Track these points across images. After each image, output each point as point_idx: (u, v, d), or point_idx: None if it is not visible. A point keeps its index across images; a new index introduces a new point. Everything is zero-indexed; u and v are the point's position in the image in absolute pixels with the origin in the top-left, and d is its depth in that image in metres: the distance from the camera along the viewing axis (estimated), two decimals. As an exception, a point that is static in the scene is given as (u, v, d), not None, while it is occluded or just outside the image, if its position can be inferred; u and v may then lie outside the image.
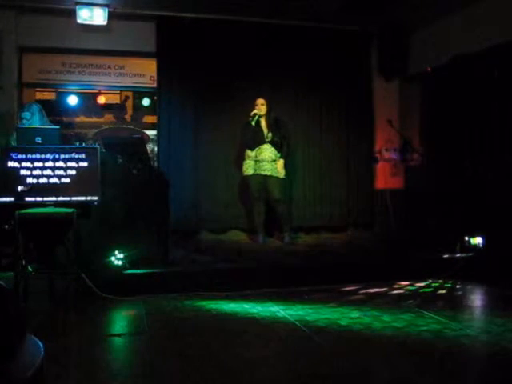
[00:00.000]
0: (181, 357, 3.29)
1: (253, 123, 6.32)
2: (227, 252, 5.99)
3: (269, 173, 6.30)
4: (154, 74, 7.20)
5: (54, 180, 4.52)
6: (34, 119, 5.24)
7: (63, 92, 8.45)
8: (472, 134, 6.33)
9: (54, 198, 4.52)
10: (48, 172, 4.51)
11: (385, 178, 7.78)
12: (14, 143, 5.00)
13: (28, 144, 4.67)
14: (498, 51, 5.99)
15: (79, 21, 6.48)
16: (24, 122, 5.23)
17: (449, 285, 5.22)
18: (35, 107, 5.39)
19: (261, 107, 6.36)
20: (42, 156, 4.51)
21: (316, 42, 7.42)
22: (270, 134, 6.34)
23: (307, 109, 7.54)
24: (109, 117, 9.65)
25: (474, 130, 6.31)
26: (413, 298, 4.69)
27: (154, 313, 4.24)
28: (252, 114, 6.33)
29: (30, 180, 4.47)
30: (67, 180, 4.54)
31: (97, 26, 6.62)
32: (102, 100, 9.09)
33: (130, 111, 9.79)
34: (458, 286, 5.19)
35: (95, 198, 4.59)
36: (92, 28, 6.72)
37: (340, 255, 6.02)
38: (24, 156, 4.48)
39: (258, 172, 6.35)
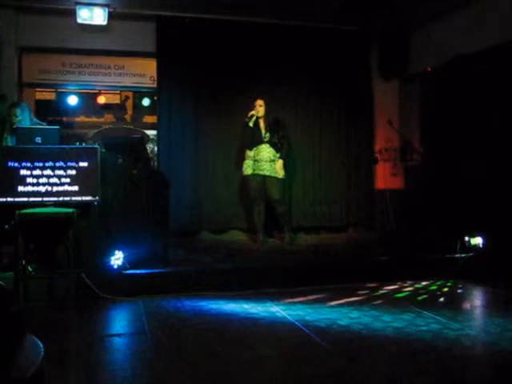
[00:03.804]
0: (181, 357, 3.29)
1: (250, 124, 6.32)
2: (227, 252, 5.99)
3: (267, 173, 6.30)
4: (154, 74, 7.20)
5: (53, 180, 4.52)
6: (24, 116, 5.24)
7: (63, 92, 8.45)
8: (472, 133, 6.32)
9: (53, 198, 4.52)
10: (48, 172, 4.51)
11: (385, 178, 7.78)
12: (14, 143, 5.00)
13: (28, 144, 4.67)
14: (498, 51, 5.99)
15: (79, 21, 6.50)
16: (15, 119, 5.21)
17: (449, 285, 5.22)
18: (24, 104, 5.40)
19: (259, 108, 6.36)
20: (42, 156, 4.51)
21: (316, 43, 7.43)
22: (267, 135, 6.34)
23: (307, 109, 7.55)
24: (109, 117, 9.65)
25: (473, 130, 6.31)
26: (413, 298, 4.69)
27: (153, 313, 4.24)
28: (250, 114, 6.33)
29: (29, 180, 4.47)
30: (67, 180, 4.54)
31: (97, 26, 6.64)
32: (102, 100, 9.08)
33: (129, 111, 9.78)
34: (458, 286, 5.19)
35: (95, 197, 4.59)
36: (92, 28, 6.73)
37: (340, 255, 6.02)
38: (24, 156, 4.49)
39: (256, 172, 6.35)
